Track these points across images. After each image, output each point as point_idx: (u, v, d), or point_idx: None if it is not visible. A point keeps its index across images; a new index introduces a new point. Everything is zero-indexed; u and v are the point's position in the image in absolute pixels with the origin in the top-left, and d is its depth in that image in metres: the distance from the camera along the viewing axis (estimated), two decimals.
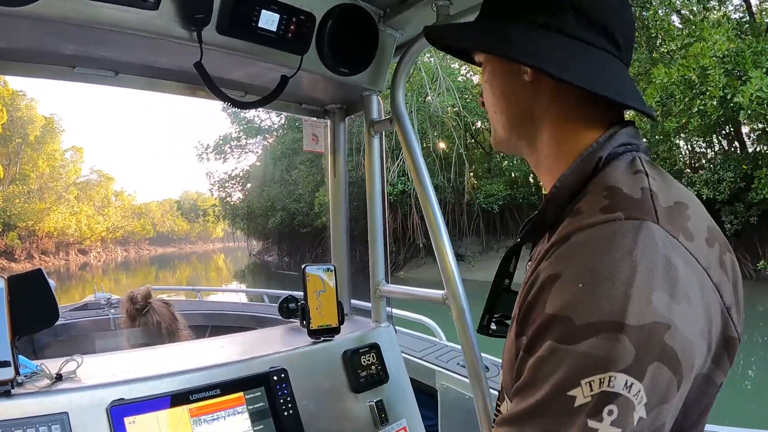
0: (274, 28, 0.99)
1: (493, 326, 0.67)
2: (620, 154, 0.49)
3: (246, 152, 25.23)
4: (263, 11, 0.97)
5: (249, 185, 25.27)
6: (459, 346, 1.74)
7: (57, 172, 34.55)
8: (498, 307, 0.67)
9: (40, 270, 0.98)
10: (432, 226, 1.12)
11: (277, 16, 0.98)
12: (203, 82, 0.98)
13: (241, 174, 25.63)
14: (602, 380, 0.37)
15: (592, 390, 0.37)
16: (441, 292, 1.11)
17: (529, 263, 0.53)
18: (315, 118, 1.39)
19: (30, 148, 31.18)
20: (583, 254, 0.41)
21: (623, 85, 0.49)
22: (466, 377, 1.45)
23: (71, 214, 35.15)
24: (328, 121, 1.41)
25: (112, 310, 2.56)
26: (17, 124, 29.56)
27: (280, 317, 2.38)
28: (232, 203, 24.97)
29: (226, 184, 25.28)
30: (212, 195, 28.43)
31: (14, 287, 0.85)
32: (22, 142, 30.45)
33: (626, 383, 0.37)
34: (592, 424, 0.37)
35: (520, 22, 0.51)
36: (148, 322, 1.45)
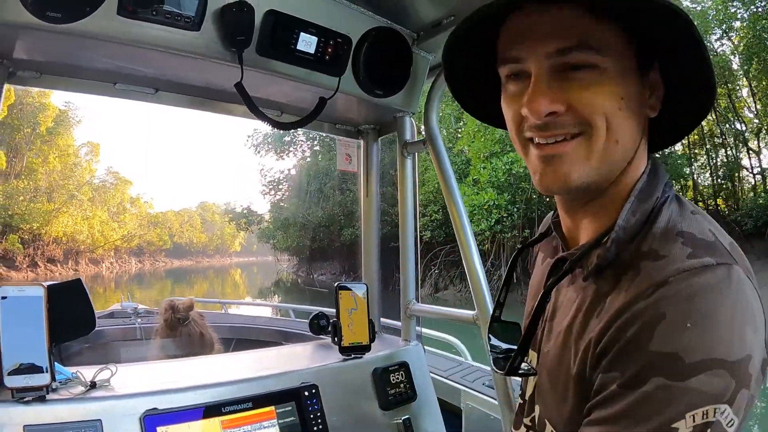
0: (312, 51, 1.17)
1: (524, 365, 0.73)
2: (667, 192, 0.58)
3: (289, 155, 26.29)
4: (302, 34, 1.14)
5: (285, 195, 26.35)
6: (484, 366, 1.90)
7: (69, 170, 33.94)
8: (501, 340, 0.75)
9: (79, 280, 1.13)
10: (464, 247, 1.28)
11: (315, 39, 1.16)
12: (243, 102, 1.15)
13: (285, 179, 26.59)
14: (705, 413, 0.46)
15: (695, 421, 0.46)
16: (471, 312, 1.26)
17: (561, 298, 0.63)
18: (348, 138, 1.59)
19: (40, 140, 30.49)
20: (687, 297, 0.49)
21: None
22: (492, 397, 1.59)
23: (83, 219, 34.72)
24: (361, 141, 1.60)
25: (139, 320, 2.86)
26: (27, 111, 28.55)
27: (305, 332, 2.62)
28: (278, 215, 26.02)
29: (280, 186, 26.25)
30: (227, 207, 29.47)
31: (53, 295, 0.98)
32: (31, 132, 29.54)
33: (723, 411, 0.46)
34: None
35: None
36: (191, 333, 1.64)
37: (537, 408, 0.66)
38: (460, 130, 16.51)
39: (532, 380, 0.69)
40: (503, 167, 13.37)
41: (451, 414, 1.60)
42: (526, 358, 0.66)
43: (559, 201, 0.64)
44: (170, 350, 1.70)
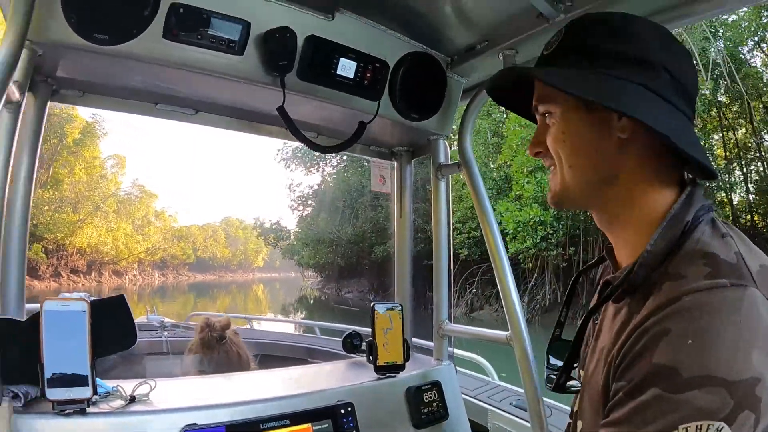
0: (351, 75, 1.29)
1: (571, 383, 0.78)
2: (700, 216, 0.63)
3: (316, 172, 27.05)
4: (341, 59, 1.27)
5: (313, 211, 26.83)
6: (511, 386, 1.97)
7: (95, 182, 35.99)
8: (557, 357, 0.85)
9: (122, 296, 1.19)
10: (498, 268, 1.38)
11: (354, 64, 1.28)
12: (285, 125, 1.25)
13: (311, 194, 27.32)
14: (699, 427, 0.50)
15: None
16: (505, 333, 1.35)
17: (605, 319, 0.70)
18: (382, 160, 1.72)
19: (66, 151, 32.15)
20: (693, 315, 0.54)
21: (701, 148, 0.65)
22: (519, 417, 1.68)
23: (107, 230, 36.59)
24: (395, 163, 1.73)
25: (165, 333, 3.01)
26: (54, 122, 29.93)
27: (331, 349, 2.74)
28: (307, 231, 26.71)
29: (309, 202, 27.08)
30: (256, 223, 30.32)
31: (96, 310, 1.05)
32: (58, 143, 31.19)
33: (720, 429, 0.50)
34: None
35: (616, 77, 0.63)
36: (228, 351, 1.73)
37: (579, 424, 0.73)
38: (500, 145, 16.55)
39: (578, 399, 0.76)
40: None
41: None
42: (573, 376, 0.75)
43: (597, 224, 0.75)
44: (204, 367, 1.76)
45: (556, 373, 0.79)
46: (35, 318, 1.03)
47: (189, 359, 1.82)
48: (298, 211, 28.66)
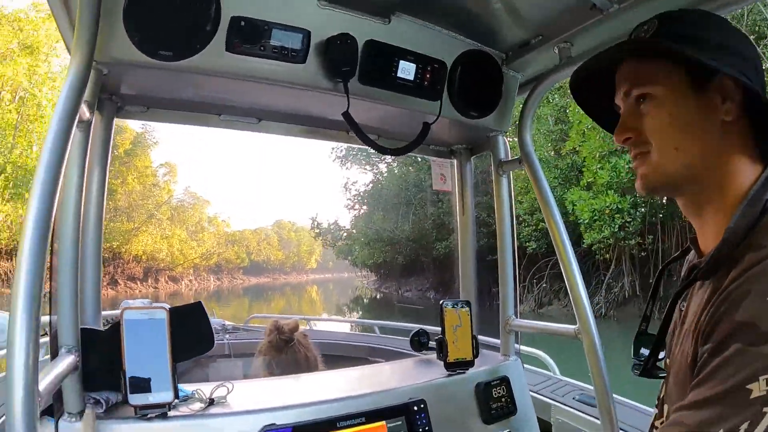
0: (411, 77, 1.37)
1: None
2: None
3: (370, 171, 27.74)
4: (401, 62, 1.35)
5: (370, 209, 27.45)
6: (573, 381, 2.08)
7: (148, 190, 38.75)
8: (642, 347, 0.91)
9: (200, 303, 1.30)
10: (564, 262, 1.45)
11: (413, 66, 1.37)
12: (350, 129, 1.35)
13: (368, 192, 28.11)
14: None
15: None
16: (573, 326, 1.43)
17: (691, 305, 0.77)
18: (442, 159, 1.83)
19: (118, 161, 34.25)
20: None
21: None
22: (583, 412, 1.76)
23: (162, 237, 39.39)
24: (455, 161, 1.83)
25: (227, 336, 3.23)
26: None
27: (392, 348, 2.88)
28: (367, 230, 27.37)
29: (365, 200, 27.93)
30: (313, 223, 31.22)
31: (175, 317, 1.14)
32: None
33: None
34: (765, 410, 0.56)
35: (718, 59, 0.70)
36: (296, 354, 1.86)
37: (665, 408, 0.80)
38: (564, 131, 16.12)
39: (664, 385, 0.83)
40: (626, 166, 12.88)
41: (541, 429, 1.75)
42: (659, 364, 0.83)
43: (683, 211, 0.82)
44: (273, 369, 1.87)
45: (642, 362, 0.86)
46: (115, 327, 1.13)
47: (258, 361, 1.94)
48: (354, 210, 29.35)
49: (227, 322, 3.53)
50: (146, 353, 1.11)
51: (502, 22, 1.42)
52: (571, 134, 15.18)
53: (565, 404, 1.84)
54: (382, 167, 27.70)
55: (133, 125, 35.48)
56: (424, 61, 1.39)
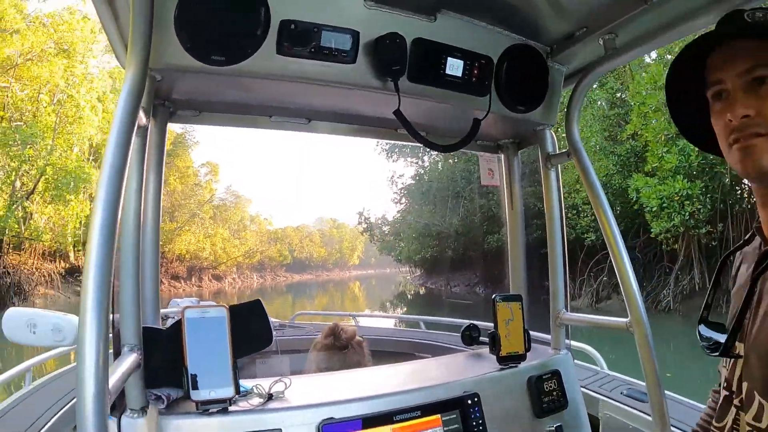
0: (459, 74, 1.43)
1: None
2: None
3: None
4: (449, 59, 1.41)
5: (416, 203, 27.77)
6: (621, 375, 2.14)
7: (190, 190, 40.50)
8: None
9: (258, 301, 1.38)
10: (615, 254, 1.50)
11: (461, 62, 1.42)
12: (403, 127, 1.42)
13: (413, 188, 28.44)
14: None
15: None
16: (624, 319, 1.48)
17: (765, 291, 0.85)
18: (489, 153, 1.90)
19: None
20: None
21: None
22: (631, 407, 1.80)
23: (205, 236, 40.89)
24: (502, 155, 1.91)
25: (275, 333, 3.41)
26: None
27: (438, 343, 2.96)
28: (416, 224, 27.66)
29: (412, 194, 28.29)
30: (360, 217, 31.91)
31: (235, 315, 1.21)
32: None
33: None
34: None
35: None
36: (349, 359, 1.93)
37: (744, 386, 0.85)
38: (621, 116, 15.64)
39: (738, 368, 0.88)
40: (695, 149, 12.47)
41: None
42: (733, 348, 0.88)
43: (758, 196, 0.90)
44: (324, 369, 1.95)
45: (711, 345, 0.91)
46: (177, 325, 1.21)
47: (312, 357, 2.03)
48: (401, 204, 29.59)
49: (273, 320, 3.68)
50: (207, 350, 1.18)
51: (546, 15, 1.47)
52: (632, 117, 14.76)
53: (613, 399, 1.88)
54: (429, 159, 27.73)
55: (173, 126, 37.26)
56: (471, 57, 1.45)
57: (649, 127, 13.83)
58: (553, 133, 1.77)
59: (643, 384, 1.45)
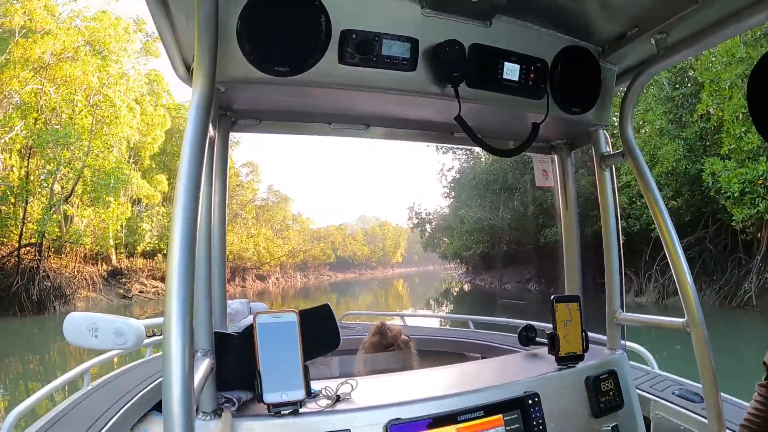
0: (516, 78, 1.51)
1: None
2: None
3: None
4: (506, 63, 1.49)
5: (460, 197, 27.82)
6: (672, 375, 2.19)
7: (232, 190, 41.16)
8: None
9: (327, 305, 1.47)
10: (670, 251, 1.57)
11: (517, 66, 1.50)
12: (464, 132, 1.50)
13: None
14: None
15: None
16: (681, 319, 1.55)
17: None
18: (542, 154, 1.99)
19: None
20: None
21: None
22: (684, 408, 1.85)
23: (248, 237, 42.45)
24: (555, 156, 1.99)
25: None
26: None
27: (487, 343, 3.09)
28: (469, 218, 27.79)
29: (462, 188, 28.62)
30: (410, 212, 32.09)
31: (304, 319, 1.29)
32: None
33: None
34: None
35: None
36: (396, 357, 2.09)
37: None
38: (687, 96, 15.06)
39: None
40: None
41: None
42: None
43: None
44: (371, 368, 2.11)
45: None
46: (248, 330, 1.29)
47: (360, 355, 2.20)
48: (451, 198, 29.65)
49: None
50: (278, 354, 1.26)
51: (598, 16, 1.56)
52: (703, 96, 14.20)
53: (665, 399, 1.93)
54: (480, 150, 27.59)
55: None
56: (526, 61, 1.53)
57: (725, 104, 13.28)
58: (607, 134, 1.84)
59: (695, 384, 1.50)
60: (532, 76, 1.54)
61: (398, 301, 35.67)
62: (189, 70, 1.47)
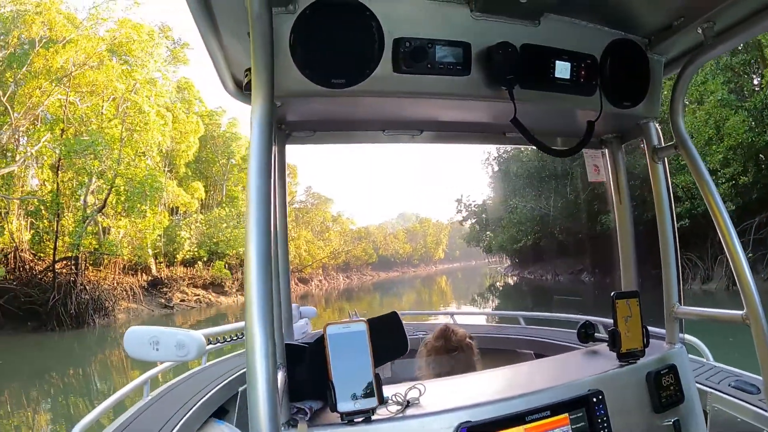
0: (567, 76, 1.55)
1: None
2: None
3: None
4: (557, 62, 1.53)
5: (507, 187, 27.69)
6: (727, 367, 2.22)
7: None
8: None
9: (395, 312, 1.55)
10: (729, 246, 1.62)
11: (568, 65, 1.55)
12: (521, 133, 1.54)
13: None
14: None
15: None
16: (740, 312, 1.58)
17: None
18: (593, 150, 2.05)
19: (237, 168, 39.28)
20: None
21: None
22: (742, 400, 1.89)
23: (289, 239, 43.22)
24: (606, 150, 2.04)
25: None
26: (219, 143, 38.05)
27: (540, 339, 3.17)
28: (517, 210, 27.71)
29: (508, 176, 28.54)
30: (458, 205, 32.44)
31: (373, 328, 1.33)
32: (227, 162, 38.98)
33: None
34: None
35: None
36: (458, 360, 2.15)
37: None
38: (749, 61, 14.48)
39: None
40: None
41: None
42: None
43: None
44: (432, 370, 2.16)
45: None
46: (319, 341, 1.34)
47: (422, 359, 2.25)
48: (497, 189, 29.63)
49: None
50: (350, 363, 1.31)
51: (643, 7, 1.60)
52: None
53: (722, 392, 1.96)
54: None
55: (246, 131, 39.34)
56: (577, 58, 1.58)
57: None
58: (658, 127, 1.89)
59: (752, 375, 1.53)
60: (582, 72, 1.58)
61: (442, 298, 35.87)
62: (239, 85, 1.57)
